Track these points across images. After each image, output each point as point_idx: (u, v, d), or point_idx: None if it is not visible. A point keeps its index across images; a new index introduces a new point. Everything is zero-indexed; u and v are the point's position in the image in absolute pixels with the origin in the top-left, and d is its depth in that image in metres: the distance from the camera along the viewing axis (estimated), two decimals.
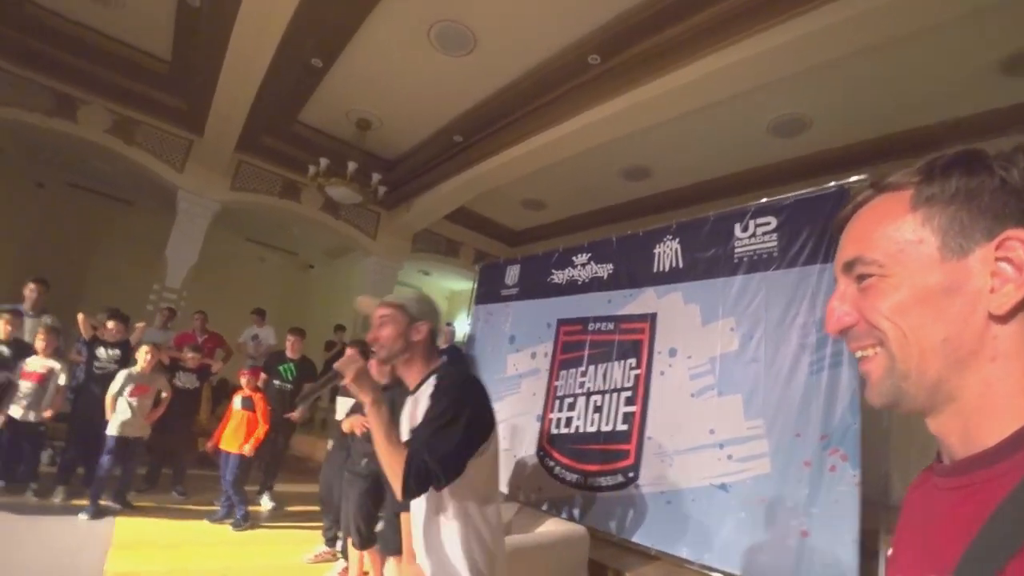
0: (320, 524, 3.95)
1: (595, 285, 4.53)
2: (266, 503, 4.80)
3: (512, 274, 5.48)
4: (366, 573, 3.17)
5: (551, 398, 4.50)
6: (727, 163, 5.80)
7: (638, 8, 3.86)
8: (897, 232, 0.51)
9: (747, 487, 2.96)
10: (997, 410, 0.46)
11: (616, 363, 4.11)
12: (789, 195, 3.29)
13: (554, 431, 4.36)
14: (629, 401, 3.90)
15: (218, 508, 4.27)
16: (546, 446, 4.36)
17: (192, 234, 7.00)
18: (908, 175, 0.52)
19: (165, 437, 4.76)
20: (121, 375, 4.08)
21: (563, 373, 4.51)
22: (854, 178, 2.96)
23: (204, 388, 5.55)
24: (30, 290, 4.61)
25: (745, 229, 3.47)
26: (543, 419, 4.48)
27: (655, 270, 4.06)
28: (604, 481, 3.79)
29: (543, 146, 5.49)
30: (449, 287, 11.73)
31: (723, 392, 3.29)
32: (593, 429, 4.07)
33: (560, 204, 7.84)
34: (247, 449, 4.20)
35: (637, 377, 3.91)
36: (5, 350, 4.06)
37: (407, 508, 1.59)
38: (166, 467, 4.93)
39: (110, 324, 4.54)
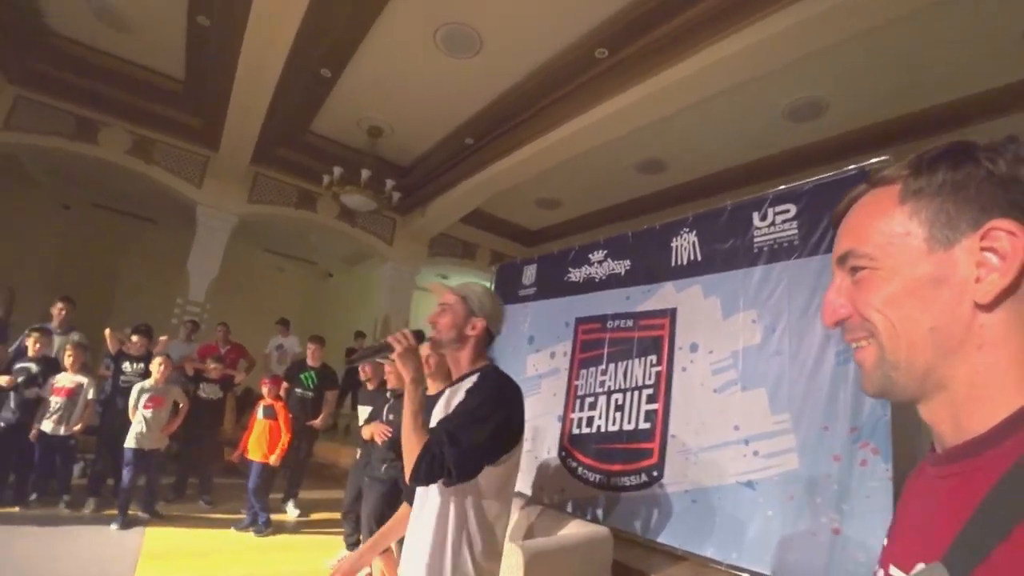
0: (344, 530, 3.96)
1: (612, 282, 4.45)
2: (291, 510, 4.84)
3: (529, 274, 5.43)
4: None
5: (572, 398, 4.44)
6: (744, 151, 5.67)
7: None
8: (887, 225, 0.52)
9: (774, 484, 2.86)
10: (985, 398, 0.47)
11: (636, 360, 4.02)
12: (808, 180, 3.18)
13: (575, 431, 4.30)
14: (651, 399, 3.82)
15: (244, 516, 4.32)
16: (568, 446, 4.30)
17: (212, 248, 7.14)
18: (898, 169, 0.53)
19: (191, 447, 4.83)
20: (136, 388, 4.15)
21: (583, 372, 4.44)
22: (875, 160, 2.84)
23: (228, 398, 5.64)
24: (58, 309, 4.75)
25: (764, 218, 3.37)
26: (564, 419, 4.42)
27: (673, 264, 3.96)
28: (627, 481, 3.72)
29: (555, 144, 5.44)
30: None
31: (747, 386, 3.19)
32: (615, 428, 4.00)
33: (575, 201, 7.77)
34: (273, 459, 4.24)
35: (658, 374, 3.82)
36: (34, 367, 4.19)
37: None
38: (193, 477, 5.00)
39: (134, 338, 4.63)
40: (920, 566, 0.47)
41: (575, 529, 3.06)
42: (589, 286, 4.65)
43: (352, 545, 3.80)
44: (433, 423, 1.45)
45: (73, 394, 4.19)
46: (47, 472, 4.23)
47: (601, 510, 3.82)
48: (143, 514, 4.14)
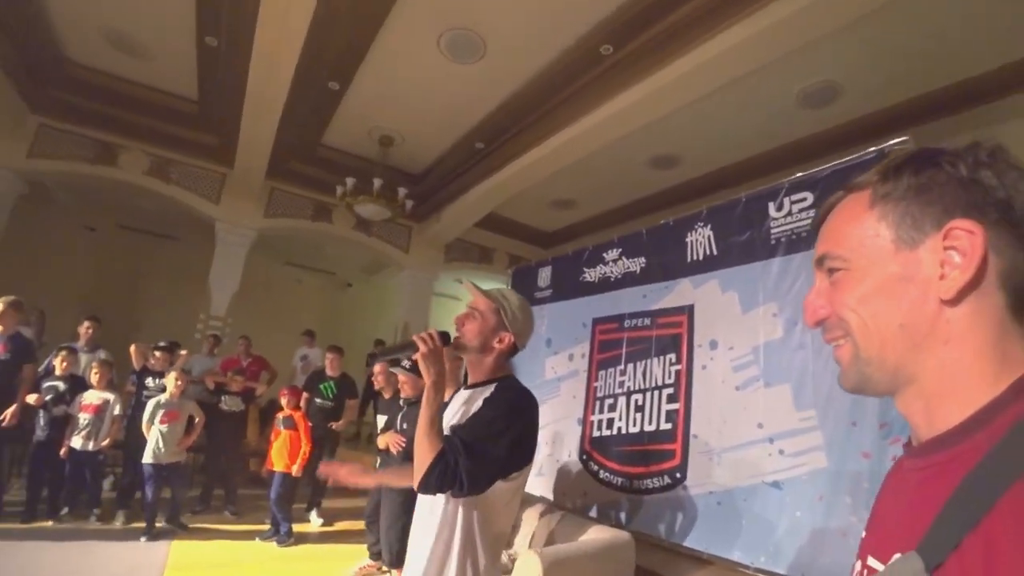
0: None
1: (628, 280, 4.37)
2: (314, 520, 4.87)
3: (544, 276, 5.38)
4: None
5: (591, 400, 4.37)
6: (758, 141, 5.53)
7: None
8: (858, 228, 0.55)
9: (802, 483, 2.74)
10: (954, 391, 0.49)
11: (655, 359, 3.94)
12: (825, 167, 3.07)
13: (596, 434, 4.22)
14: (671, 398, 3.72)
15: (269, 526, 4.36)
16: (589, 449, 4.23)
17: (232, 263, 7.25)
18: (869, 175, 0.57)
19: (215, 459, 4.89)
20: (151, 403, 4.23)
21: (602, 373, 4.37)
22: (895, 141, 2.72)
23: (252, 410, 5.71)
24: (84, 328, 4.91)
25: (780, 208, 3.26)
26: (584, 422, 4.36)
27: (689, 259, 3.87)
28: (650, 483, 3.63)
29: (566, 143, 5.38)
30: None
31: (770, 383, 3.08)
32: (636, 430, 3.91)
33: (590, 201, 7.69)
34: (295, 469, 4.27)
35: (678, 373, 3.73)
36: (62, 385, 4.31)
37: None
38: (218, 488, 5.08)
39: (157, 354, 4.74)
40: (896, 556, 0.48)
41: (596, 535, 3.00)
42: (605, 286, 4.58)
43: (375, 555, 3.80)
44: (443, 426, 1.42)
45: (100, 411, 4.29)
46: (78, 486, 4.34)
47: (624, 514, 3.74)
48: (170, 526, 4.22)
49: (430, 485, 1.27)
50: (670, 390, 3.74)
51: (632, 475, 3.78)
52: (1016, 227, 0.48)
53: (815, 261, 0.60)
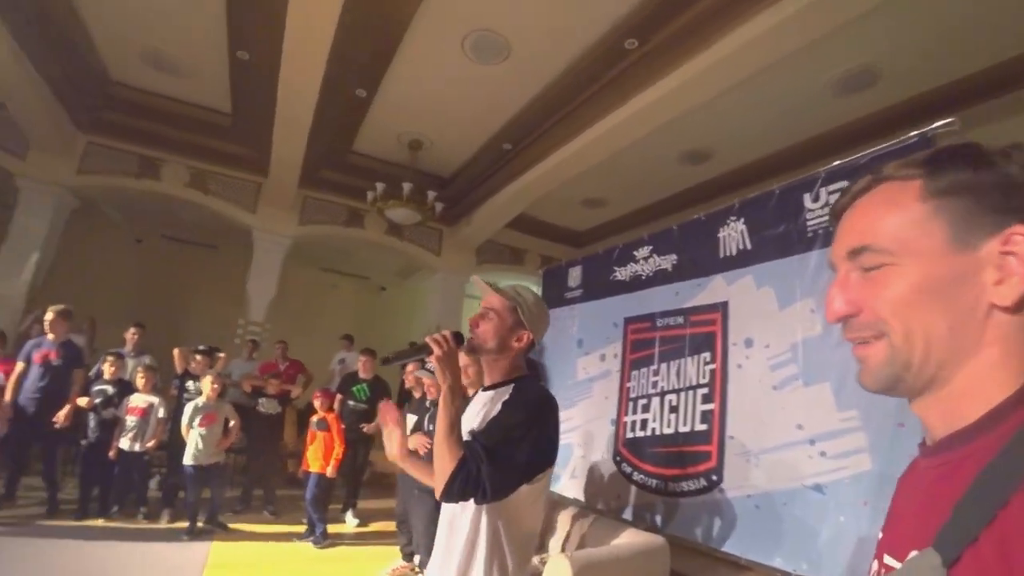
0: None
1: (660, 278, 4.27)
2: (350, 520, 4.95)
3: (575, 275, 5.32)
4: None
5: (624, 400, 4.29)
6: (792, 132, 5.32)
7: None
8: (907, 223, 0.52)
9: (845, 487, 2.61)
10: (976, 391, 0.48)
11: (689, 359, 3.83)
12: (864, 153, 2.92)
13: (630, 435, 4.14)
14: (706, 398, 3.61)
15: (306, 527, 4.45)
16: (623, 451, 4.15)
17: (269, 269, 7.45)
18: (913, 165, 0.53)
19: (253, 460, 5.02)
20: (189, 407, 4.37)
21: (634, 373, 4.29)
22: (940, 123, 2.56)
23: (290, 412, 5.86)
24: (131, 334, 5.16)
25: (816, 199, 3.12)
26: (617, 423, 4.28)
27: (722, 255, 3.74)
28: (686, 486, 3.53)
29: (594, 141, 5.31)
30: None
31: (809, 382, 2.95)
32: (670, 431, 3.82)
33: (621, 199, 7.57)
34: (329, 470, 4.34)
35: (712, 372, 3.62)
36: (110, 389, 4.53)
37: None
38: (257, 488, 5.22)
39: (198, 358, 4.91)
40: (913, 553, 0.47)
41: (629, 538, 2.92)
42: (636, 284, 4.49)
43: (408, 556, 3.82)
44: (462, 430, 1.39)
45: (145, 413, 4.47)
46: (126, 486, 4.54)
47: (660, 517, 3.65)
48: (211, 525, 4.36)
49: (452, 494, 1.25)
50: (705, 390, 3.64)
51: (667, 477, 3.69)
52: None
53: (846, 252, 0.56)
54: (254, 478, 5.27)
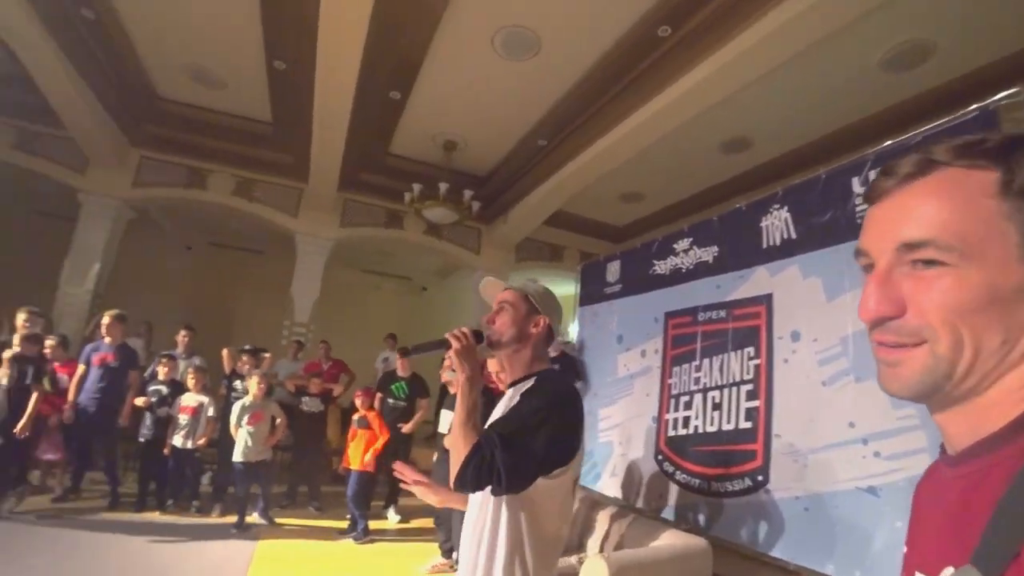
0: None
1: (701, 271, 4.14)
2: (392, 516, 5.02)
3: (613, 270, 5.23)
4: None
5: (666, 397, 4.18)
6: (837, 115, 5.04)
7: None
8: (979, 221, 0.45)
9: (902, 490, 2.43)
10: (1012, 402, 0.46)
11: (732, 354, 3.69)
12: (918, 131, 2.73)
13: (671, 433, 4.03)
14: (751, 395, 3.47)
15: (349, 523, 4.53)
16: (664, 449, 4.05)
17: (312, 272, 7.68)
18: (982, 155, 0.46)
19: (299, 458, 5.16)
20: (236, 406, 4.52)
21: (676, 369, 4.17)
22: (1003, 94, 2.35)
23: (334, 411, 6.01)
24: (182, 336, 5.43)
25: (865, 183, 2.93)
26: (659, 420, 4.18)
27: (765, 245, 3.59)
28: (730, 486, 3.40)
29: (630, 133, 5.20)
30: (559, 292, 11.62)
31: (861, 377, 2.77)
32: (713, 429, 3.69)
33: (659, 192, 7.40)
34: (367, 458, 4.44)
35: (757, 368, 3.47)
36: (164, 389, 4.77)
37: None
38: (302, 485, 5.38)
39: (244, 358, 5.11)
40: (949, 570, 0.45)
41: (670, 540, 2.83)
42: (676, 278, 4.37)
43: (447, 552, 3.84)
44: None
45: (196, 412, 4.68)
46: (180, 481, 4.76)
47: (703, 517, 3.53)
48: (260, 519, 4.51)
49: (466, 480, 1.23)
50: (749, 386, 3.50)
51: (710, 477, 3.57)
52: None
53: (903, 244, 0.48)
54: (299, 475, 5.42)
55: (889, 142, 2.90)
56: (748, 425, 3.42)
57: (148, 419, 4.65)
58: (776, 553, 2.94)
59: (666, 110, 4.75)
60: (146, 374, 5.04)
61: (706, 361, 3.89)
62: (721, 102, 4.62)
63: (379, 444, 4.51)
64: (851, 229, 2.99)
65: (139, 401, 4.66)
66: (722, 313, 3.86)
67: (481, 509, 1.34)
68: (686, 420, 3.94)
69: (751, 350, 3.54)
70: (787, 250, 3.41)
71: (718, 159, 6.17)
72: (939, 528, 0.50)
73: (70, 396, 4.48)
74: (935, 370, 0.47)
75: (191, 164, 7.13)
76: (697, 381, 3.92)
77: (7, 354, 4.09)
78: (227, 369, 5.14)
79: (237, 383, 5.00)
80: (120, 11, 4.65)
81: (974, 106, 2.47)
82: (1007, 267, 0.44)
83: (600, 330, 5.23)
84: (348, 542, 4.33)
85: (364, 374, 7.06)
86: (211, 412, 4.71)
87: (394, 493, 5.10)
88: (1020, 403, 0.45)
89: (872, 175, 2.88)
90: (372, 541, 4.39)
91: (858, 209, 2.95)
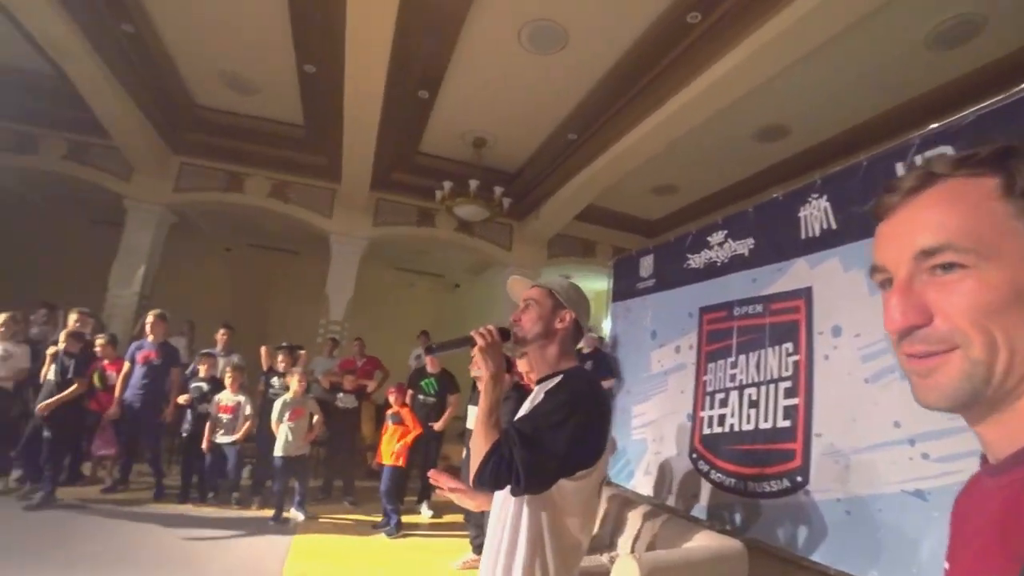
0: None
1: (736, 264, 4.02)
2: (425, 512, 5.08)
3: (646, 265, 5.15)
4: None
5: (701, 395, 4.09)
6: (878, 99, 4.78)
7: None
8: (990, 222, 0.47)
9: (952, 494, 2.27)
10: None
11: (770, 350, 3.58)
12: (968, 111, 2.56)
13: (707, 431, 3.94)
14: (789, 393, 3.35)
15: (382, 517, 4.62)
16: (699, 447, 3.96)
17: (346, 271, 7.84)
18: (978, 164, 0.48)
19: (334, 453, 5.29)
20: (278, 403, 4.64)
21: (711, 366, 4.07)
22: None
23: (368, 407, 6.11)
24: (221, 334, 5.61)
25: (911, 168, 2.78)
26: (694, 418, 4.09)
27: (803, 237, 3.46)
28: (767, 487, 3.29)
29: (661, 124, 5.08)
30: (591, 288, 11.53)
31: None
32: (750, 427, 3.59)
33: (693, 184, 7.22)
34: (398, 447, 4.51)
35: (796, 364, 3.35)
36: (205, 386, 4.95)
37: None
38: (337, 480, 5.50)
39: (281, 355, 5.23)
40: None
41: (704, 541, 2.75)
42: (711, 271, 4.27)
43: (478, 548, 3.85)
44: None
45: (234, 411, 4.83)
46: (220, 475, 4.92)
47: (739, 518, 3.43)
48: (297, 512, 4.63)
49: (484, 478, 1.21)
50: (788, 383, 3.38)
51: (746, 476, 3.47)
52: None
53: (920, 252, 0.48)
54: (334, 469, 5.54)
55: (935, 124, 2.73)
56: (787, 424, 3.31)
57: (189, 415, 4.84)
58: (816, 557, 2.83)
59: (698, 99, 4.61)
60: (187, 371, 5.23)
61: (742, 357, 3.79)
62: (755, 89, 4.45)
63: (409, 438, 4.56)
64: None
65: (182, 398, 4.85)
66: (759, 307, 3.75)
67: (503, 508, 1.32)
68: (721, 418, 3.85)
69: (790, 346, 3.43)
70: (827, 241, 3.28)
71: (753, 148, 5.97)
72: (983, 540, 0.48)
73: (116, 392, 4.71)
74: (973, 375, 0.46)
75: (228, 169, 7.37)
76: (733, 378, 3.82)
77: (51, 350, 4.32)
78: (264, 366, 5.28)
79: (275, 380, 5.14)
80: (157, 23, 4.83)
81: None
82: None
83: (633, 326, 5.15)
84: (381, 536, 4.39)
85: (398, 371, 7.14)
86: (248, 411, 4.86)
87: (427, 488, 5.14)
88: None
89: (918, 160, 2.74)
90: (405, 536, 4.45)
91: None
